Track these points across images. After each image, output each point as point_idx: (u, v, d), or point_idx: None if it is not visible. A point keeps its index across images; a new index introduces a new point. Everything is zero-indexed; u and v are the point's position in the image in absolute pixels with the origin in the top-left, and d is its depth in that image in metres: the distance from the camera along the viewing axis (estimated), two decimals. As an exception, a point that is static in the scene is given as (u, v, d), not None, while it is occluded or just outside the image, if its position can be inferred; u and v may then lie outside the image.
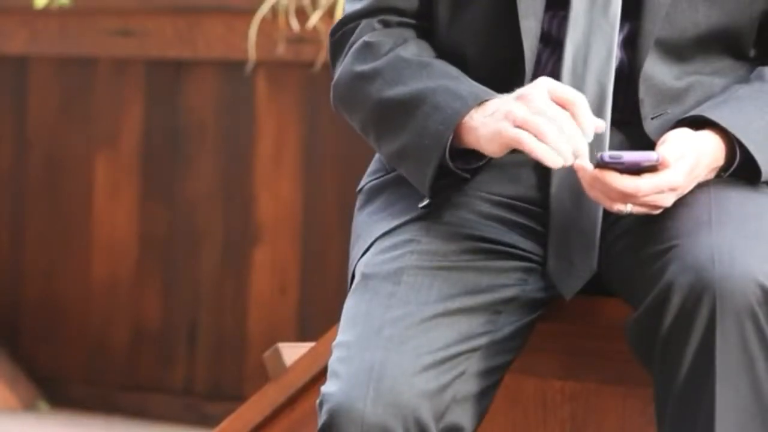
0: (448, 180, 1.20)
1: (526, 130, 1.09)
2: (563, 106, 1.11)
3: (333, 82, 1.28)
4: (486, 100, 1.16)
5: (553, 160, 1.08)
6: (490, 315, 1.18)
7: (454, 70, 1.22)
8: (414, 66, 1.22)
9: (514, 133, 1.10)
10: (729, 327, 1.05)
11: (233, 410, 1.60)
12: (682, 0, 1.21)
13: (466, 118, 1.15)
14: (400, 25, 1.27)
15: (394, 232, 1.23)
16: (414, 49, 1.24)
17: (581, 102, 1.11)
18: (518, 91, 1.14)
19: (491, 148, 1.14)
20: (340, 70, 1.26)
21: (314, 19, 3.35)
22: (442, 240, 1.21)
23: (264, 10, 3.42)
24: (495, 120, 1.13)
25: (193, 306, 3.76)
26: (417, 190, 1.23)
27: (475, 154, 1.19)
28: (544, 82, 1.13)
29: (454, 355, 1.14)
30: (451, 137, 1.16)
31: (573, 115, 1.10)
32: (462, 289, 1.17)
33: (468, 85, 1.19)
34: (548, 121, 1.09)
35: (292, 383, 1.52)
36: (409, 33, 1.27)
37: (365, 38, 1.24)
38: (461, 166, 1.19)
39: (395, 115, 1.21)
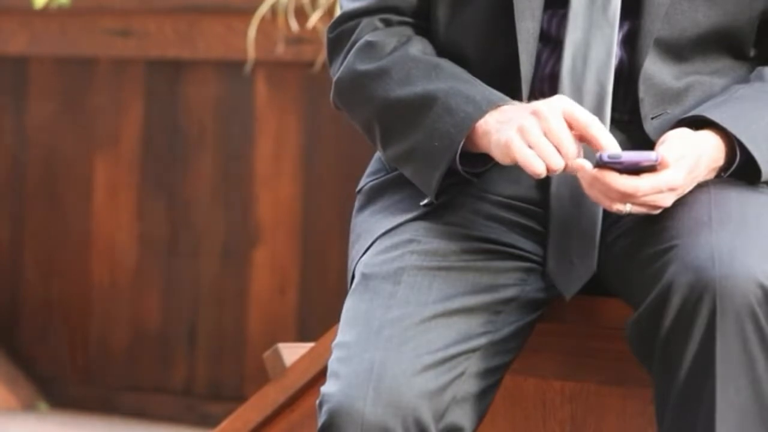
0: (449, 180, 1.20)
1: (537, 153, 1.09)
2: (575, 128, 1.11)
3: (335, 80, 1.27)
4: (499, 105, 1.16)
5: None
6: (489, 315, 1.18)
7: (463, 72, 1.22)
8: (423, 65, 1.22)
9: (522, 155, 1.10)
10: (729, 327, 1.04)
11: (233, 410, 1.60)
12: (682, 0, 1.21)
13: (480, 123, 1.15)
14: (401, 24, 1.27)
15: (394, 232, 1.22)
16: (420, 47, 1.24)
17: (597, 124, 1.11)
18: (534, 105, 1.13)
19: (499, 155, 1.14)
20: (342, 69, 1.26)
21: (314, 18, 3.35)
22: (442, 240, 1.20)
23: (263, 10, 3.42)
24: (507, 129, 1.12)
25: (193, 306, 3.76)
26: (417, 190, 1.22)
27: (481, 157, 1.19)
28: (561, 102, 1.13)
29: (453, 355, 1.14)
30: (463, 141, 1.16)
31: (589, 138, 1.11)
32: (462, 289, 1.17)
33: (480, 89, 1.18)
34: (556, 151, 1.09)
35: (292, 383, 1.52)
36: (411, 31, 1.26)
37: (367, 37, 1.24)
38: (467, 169, 1.19)
39: (404, 115, 1.21)
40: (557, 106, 1.12)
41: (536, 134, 1.10)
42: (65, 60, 3.99)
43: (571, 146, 1.10)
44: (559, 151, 1.10)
